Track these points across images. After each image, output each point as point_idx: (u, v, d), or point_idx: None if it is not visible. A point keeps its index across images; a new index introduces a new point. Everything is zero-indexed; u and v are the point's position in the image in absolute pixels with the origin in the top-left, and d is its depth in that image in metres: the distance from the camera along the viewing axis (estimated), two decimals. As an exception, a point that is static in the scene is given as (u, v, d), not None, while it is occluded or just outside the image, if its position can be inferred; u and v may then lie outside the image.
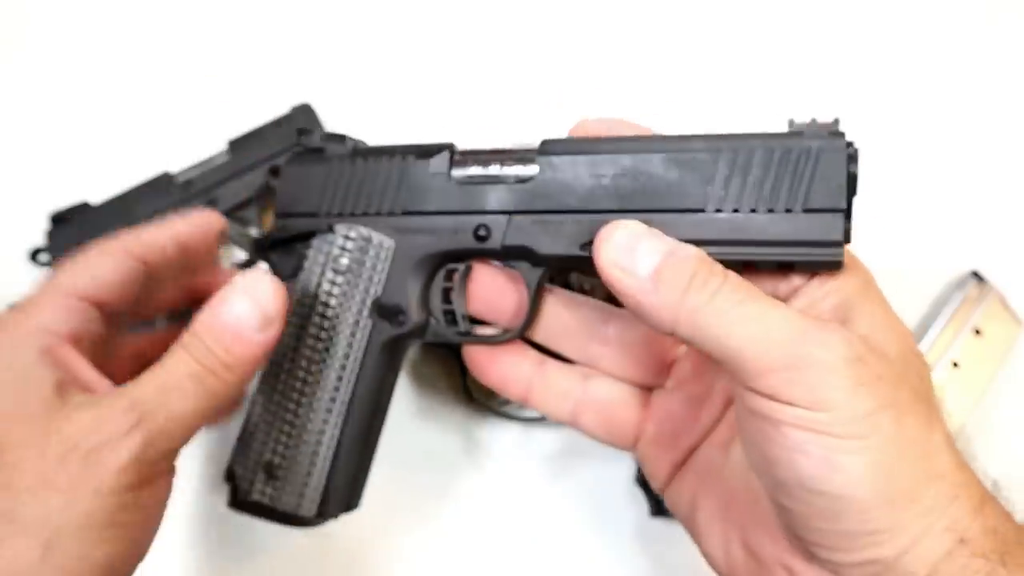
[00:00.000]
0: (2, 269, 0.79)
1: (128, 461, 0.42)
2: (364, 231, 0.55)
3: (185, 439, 0.45)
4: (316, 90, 0.79)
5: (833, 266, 0.47)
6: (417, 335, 0.56)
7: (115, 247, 0.50)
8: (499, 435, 0.77)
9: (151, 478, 0.44)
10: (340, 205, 0.56)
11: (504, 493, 0.76)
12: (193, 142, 0.76)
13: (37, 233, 0.75)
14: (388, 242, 0.55)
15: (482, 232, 0.53)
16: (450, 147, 0.54)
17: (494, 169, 0.52)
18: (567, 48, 0.85)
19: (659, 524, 0.74)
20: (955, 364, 0.74)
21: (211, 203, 0.73)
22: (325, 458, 0.55)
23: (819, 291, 0.47)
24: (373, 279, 0.55)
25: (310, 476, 0.55)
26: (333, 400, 0.55)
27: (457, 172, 0.53)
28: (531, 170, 0.52)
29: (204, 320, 0.46)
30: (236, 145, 0.75)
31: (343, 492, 0.57)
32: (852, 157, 0.46)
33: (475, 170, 0.53)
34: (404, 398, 0.78)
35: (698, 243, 0.47)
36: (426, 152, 0.54)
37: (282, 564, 0.75)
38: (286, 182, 0.57)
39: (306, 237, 0.56)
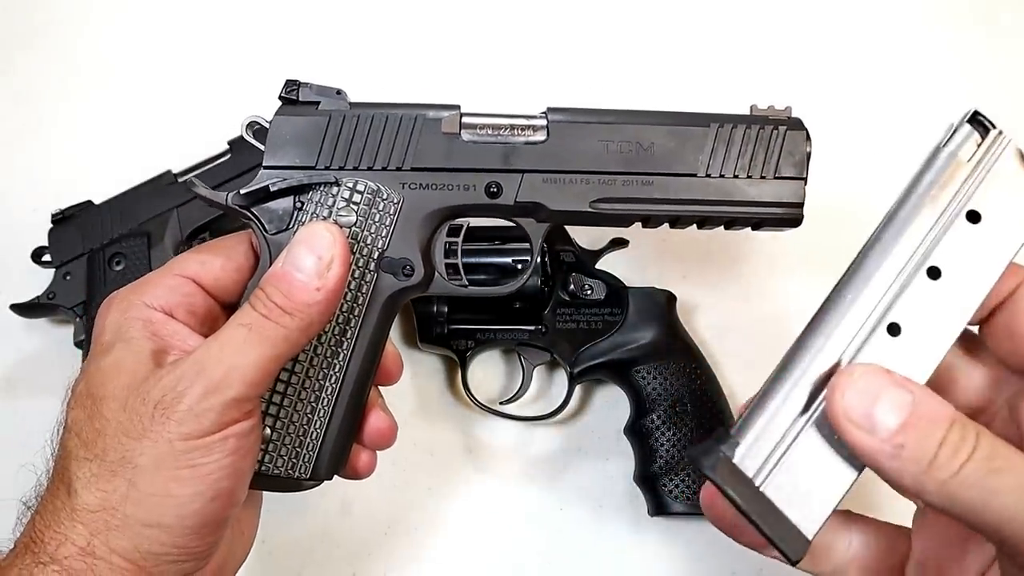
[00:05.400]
0: (2, 269, 0.79)
1: (185, 412, 0.46)
2: (372, 185, 0.57)
3: (249, 388, 0.48)
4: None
5: (795, 223, 0.61)
6: (421, 288, 0.58)
7: (232, 242, 0.57)
8: (499, 435, 0.78)
9: (220, 425, 0.47)
10: (342, 159, 0.57)
11: (504, 493, 0.77)
12: (193, 142, 0.77)
13: (38, 233, 0.75)
14: (396, 196, 0.57)
15: (494, 189, 0.58)
16: (457, 108, 0.59)
17: (505, 132, 0.58)
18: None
19: (659, 524, 0.76)
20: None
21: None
22: (323, 416, 0.56)
23: None
24: (381, 233, 0.57)
25: (306, 436, 0.56)
26: (335, 356, 0.56)
27: (467, 133, 0.58)
28: (540, 134, 0.58)
29: (268, 274, 0.51)
30: (236, 145, 0.76)
31: (338, 452, 0.58)
32: (808, 137, 0.60)
33: (486, 132, 0.58)
34: (404, 398, 0.78)
35: (691, 202, 0.59)
36: (434, 112, 0.58)
37: (282, 562, 0.75)
38: (277, 133, 0.57)
39: (301, 190, 0.56)
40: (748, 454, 0.48)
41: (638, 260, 0.80)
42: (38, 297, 0.75)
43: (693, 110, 0.60)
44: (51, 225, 0.76)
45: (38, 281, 0.76)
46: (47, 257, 0.76)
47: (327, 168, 0.57)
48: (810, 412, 0.48)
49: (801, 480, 0.47)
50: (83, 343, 0.74)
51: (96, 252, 0.75)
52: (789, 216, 0.60)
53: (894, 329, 0.48)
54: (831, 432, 0.46)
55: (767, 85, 0.87)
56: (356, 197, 0.56)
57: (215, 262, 0.55)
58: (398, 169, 0.57)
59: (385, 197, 0.56)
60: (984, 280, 0.48)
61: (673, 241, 0.82)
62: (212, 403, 0.47)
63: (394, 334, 0.80)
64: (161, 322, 0.52)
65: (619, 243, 0.79)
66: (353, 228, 0.56)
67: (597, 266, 0.78)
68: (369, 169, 0.57)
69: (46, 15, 0.87)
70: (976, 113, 0.49)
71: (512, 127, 0.58)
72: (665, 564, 0.77)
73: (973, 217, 0.48)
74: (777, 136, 0.59)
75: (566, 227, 0.78)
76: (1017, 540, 0.39)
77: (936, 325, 0.48)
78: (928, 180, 0.49)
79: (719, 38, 0.91)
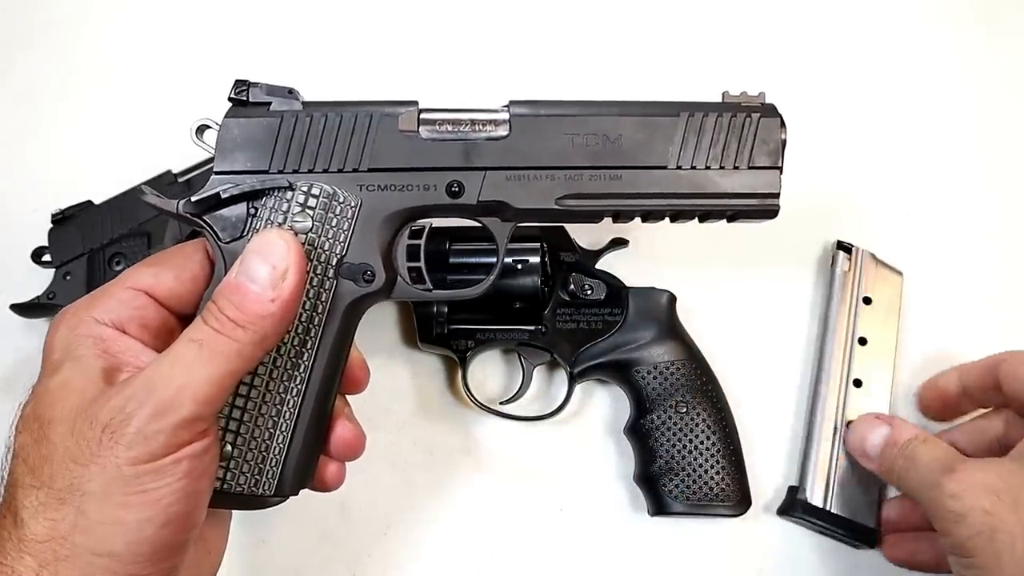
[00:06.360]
0: (2, 269, 0.79)
1: (134, 435, 0.45)
2: (328, 188, 0.55)
3: (202, 406, 0.46)
4: (315, 90, 0.80)
5: (771, 215, 0.58)
6: (383, 294, 0.56)
7: (187, 252, 0.55)
8: (499, 435, 0.78)
9: (171, 447, 0.46)
10: (295, 161, 0.55)
11: (504, 493, 0.77)
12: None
13: (38, 233, 0.75)
14: (354, 199, 0.55)
15: (455, 188, 0.55)
16: (415, 104, 0.56)
17: (465, 128, 0.56)
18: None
19: (659, 524, 0.75)
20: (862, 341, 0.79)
21: None
22: (286, 430, 0.54)
23: None
24: (339, 238, 0.54)
25: (268, 451, 0.54)
26: (296, 367, 0.54)
27: (426, 130, 0.56)
28: (502, 129, 0.56)
29: (220, 286, 0.49)
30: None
31: (303, 466, 0.56)
32: (783, 124, 0.57)
33: (446, 128, 0.56)
34: (404, 398, 0.78)
35: (661, 196, 0.56)
36: (391, 108, 0.56)
37: (281, 563, 0.75)
38: (228, 136, 0.55)
39: (254, 196, 0.54)
40: (814, 490, 0.74)
41: (638, 260, 0.79)
42: (38, 297, 0.75)
43: (662, 98, 0.58)
44: (51, 225, 0.76)
45: (38, 281, 0.76)
46: (47, 257, 0.76)
47: (280, 172, 0.54)
48: (836, 449, 0.74)
49: (852, 493, 0.73)
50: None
51: (96, 252, 0.75)
52: (765, 207, 0.57)
53: (858, 383, 0.77)
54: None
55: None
56: (312, 201, 0.54)
57: (168, 273, 0.54)
58: (355, 170, 0.55)
59: (342, 200, 0.54)
60: (890, 337, 0.78)
61: (673, 241, 0.81)
62: (162, 425, 0.45)
63: (394, 334, 0.80)
64: (112, 338, 0.50)
65: (619, 243, 0.78)
66: (309, 234, 0.54)
67: (597, 266, 0.77)
68: (324, 171, 0.55)
69: (46, 15, 0.87)
70: (839, 242, 0.80)
71: (473, 122, 0.55)
72: (665, 564, 0.77)
73: (867, 301, 0.79)
74: (750, 124, 0.56)
75: (566, 227, 0.77)
76: (924, 505, 0.62)
77: (878, 373, 0.77)
78: (837, 288, 0.79)
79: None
